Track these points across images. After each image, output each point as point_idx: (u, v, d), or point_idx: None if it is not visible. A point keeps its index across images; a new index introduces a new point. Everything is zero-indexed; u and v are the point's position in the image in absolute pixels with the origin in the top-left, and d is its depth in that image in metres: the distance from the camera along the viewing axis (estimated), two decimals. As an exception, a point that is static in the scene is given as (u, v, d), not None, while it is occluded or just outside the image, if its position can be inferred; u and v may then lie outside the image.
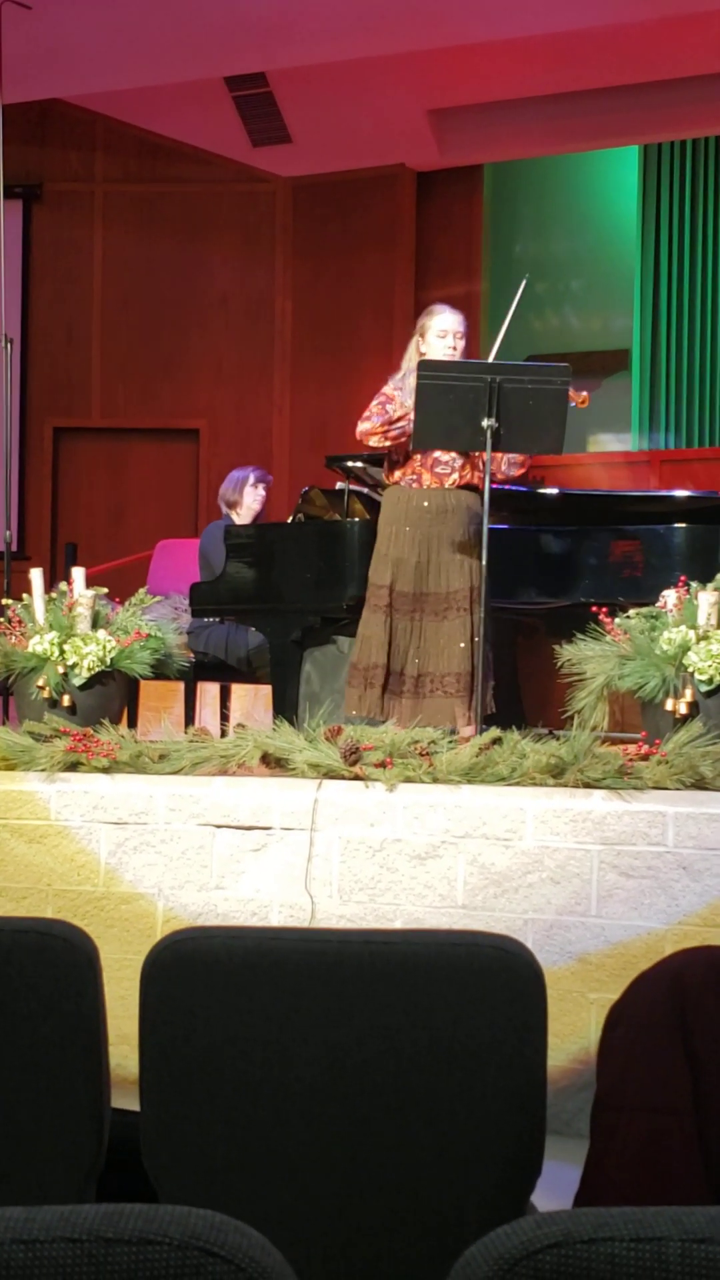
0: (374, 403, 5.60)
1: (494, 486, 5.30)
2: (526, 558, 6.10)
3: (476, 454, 5.46)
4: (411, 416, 5.36)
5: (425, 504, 5.54)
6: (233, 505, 7.13)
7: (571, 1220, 1.02)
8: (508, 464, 5.60)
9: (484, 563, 5.14)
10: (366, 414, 5.59)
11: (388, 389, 5.63)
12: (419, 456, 5.57)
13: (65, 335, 11.06)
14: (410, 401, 5.39)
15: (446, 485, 5.54)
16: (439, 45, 9.09)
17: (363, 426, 5.59)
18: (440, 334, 5.59)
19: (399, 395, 5.55)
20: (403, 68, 9.40)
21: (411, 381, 5.42)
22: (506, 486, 5.90)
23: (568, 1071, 4.11)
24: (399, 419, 5.52)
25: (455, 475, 5.55)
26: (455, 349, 5.57)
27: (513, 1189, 2.03)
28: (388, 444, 5.61)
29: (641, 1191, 1.98)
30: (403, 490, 5.61)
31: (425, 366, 5.28)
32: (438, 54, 9.23)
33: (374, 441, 5.62)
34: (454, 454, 5.50)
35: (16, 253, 10.67)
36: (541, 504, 6.49)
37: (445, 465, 5.54)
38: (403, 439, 5.54)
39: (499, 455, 5.49)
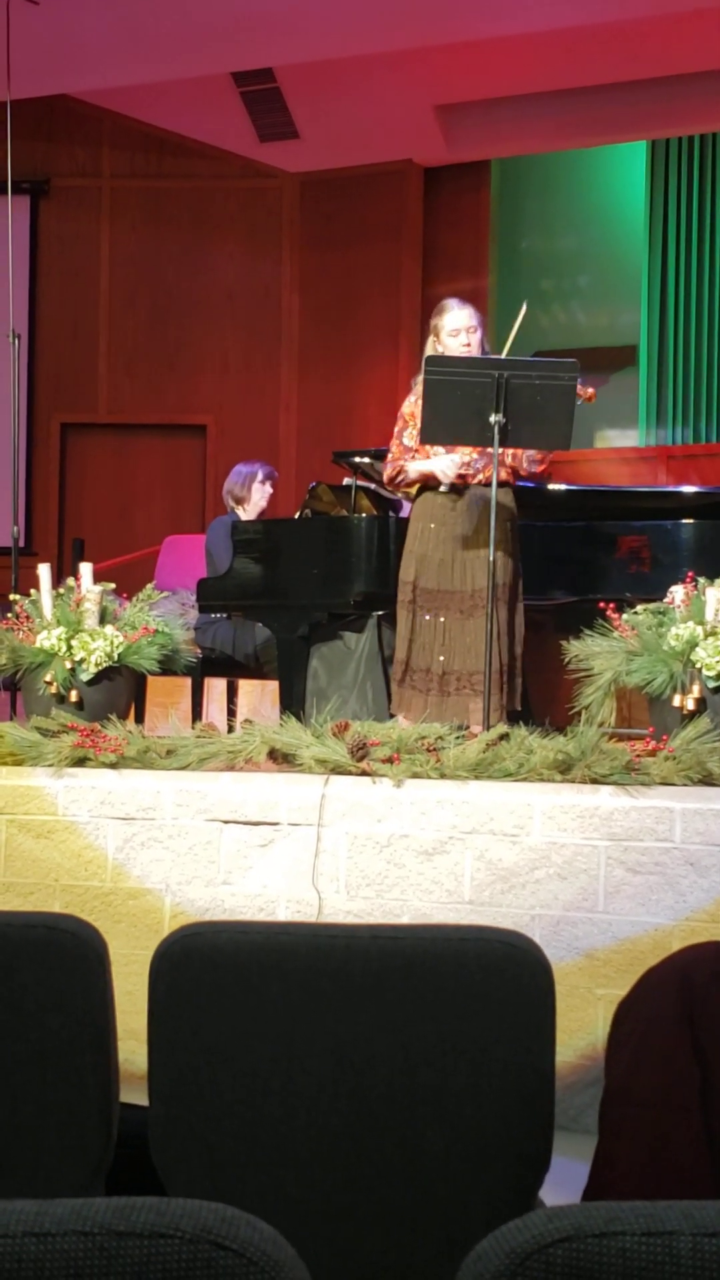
0: (393, 440, 5.63)
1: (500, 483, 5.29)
2: (534, 554, 6.10)
3: (502, 450, 5.45)
4: (406, 471, 5.53)
5: (451, 502, 5.51)
6: (240, 501, 7.11)
7: (583, 1214, 1.02)
8: (528, 461, 5.53)
9: (491, 559, 5.13)
10: (389, 456, 5.63)
11: (406, 406, 5.61)
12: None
13: (72, 330, 11.07)
14: None
15: (472, 483, 5.50)
16: (446, 41, 9.08)
17: (386, 473, 5.66)
18: (452, 332, 5.54)
19: (417, 410, 5.53)
20: (410, 63, 9.39)
21: None
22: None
23: (576, 1067, 4.11)
24: (397, 474, 5.59)
25: (481, 475, 5.49)
26: (470, 345, 5.52)
27: (521, 1184, 2.03)
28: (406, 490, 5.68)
29: (650, 1187, 1.98)
30: (430, 489, 5.58)
31: (432, 362, 5.27)
32: (445, 49, 9.23)
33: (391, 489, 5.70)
34: (475, 452, 5.45)
35: (24, 248, 10.68)
36: (549, 500, 6.49)
37: (468, 465, 5.51)
38: (412, 485, 5.62)
39: (520, 452, 5.47)
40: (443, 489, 5.49)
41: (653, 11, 8.67)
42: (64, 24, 8.69)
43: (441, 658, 5.46)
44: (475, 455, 5.47)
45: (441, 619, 5.48)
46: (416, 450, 5.53)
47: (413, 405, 5.56)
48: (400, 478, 5.60)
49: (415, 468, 5.53)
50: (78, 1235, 0.97)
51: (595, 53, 9.14)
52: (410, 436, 5.54)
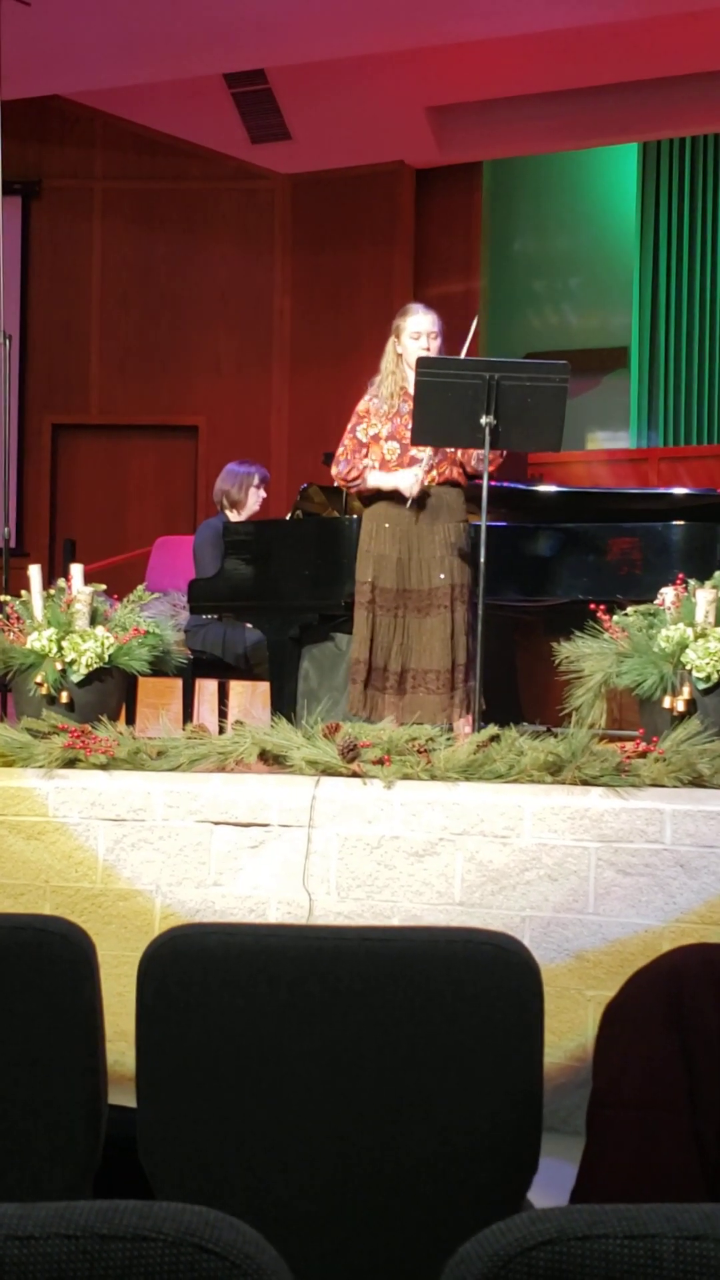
0: (346, 434, 5.67)
1: (490, 484, 5.30)
2: (525, 555, 6.11)
3: (452, 451, 5.50)
4: (365, 478, 5.60)
5: (406, 501, 5.55)
6: (235, 504, 7.06)
7: (565, 1217, 1.02)
8: (476, 460, 5.55)
9: (482, 559, 5.13)
10: (340, 452, 5.67)
11: (362, 405, 5.66)
12: (396, 457, 5.57)
13: (64, 332, 11.06)
14: (386, 408, 5.57)
15: (426, 482, 5.55)
16: (438, 42, 9.09)
17: (334, 469, 5.69)
18: (414, 335, 5.61)
19: (373, 407, 5.58)
20: (402, 64, 9.40)
21: (389, 385, 5.59)
22: (498, 483, 5.89)
23: (565, 1069, 4.11)
24: (354, 479, 5.64)
25: (434, 472, 5.56)
26: (429, 350, 5.57)
27: (509, 1186, 2.03)
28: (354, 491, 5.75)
29: (637, 1188, 1.98)
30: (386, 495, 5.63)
31: (424, 364, 5.29)
32: (437, 51, 9.23)
33: (340, 486, 5.75)
34: (430, 451, 5.50)
35: (15, 249, 10.67)
36: (540, 501, 6.49)
37: (421, 464, 5.55)
38: (364, 492, 5.69)
39: (470, 451, 5.49)
40: (409, 506, 5.53)
41: (644, 14, 8.68)
42: (56, 25, 8.68)
43: (400, 657, 5.51)
44: (431, 452, 5.51)
45: (400, 618, 5.53)
46: (369, 444, 5.59)
47: (368, 403, 5.66)
48: (357, 482, 5.65)
49: (376, 480, 5.59)
50: (60, 1238, 0.97)
51: (587, 55, 9.15)
52: (363, 432, 5.63)
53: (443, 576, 5.52)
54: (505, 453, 5.64)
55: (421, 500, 5.55)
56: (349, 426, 5.68)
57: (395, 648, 5.54)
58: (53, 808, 4.71)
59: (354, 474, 5.64)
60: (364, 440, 5.62)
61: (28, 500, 10.99)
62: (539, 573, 6.11)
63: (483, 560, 5.14)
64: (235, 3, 8.57)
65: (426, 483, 5.55)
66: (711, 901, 4.19)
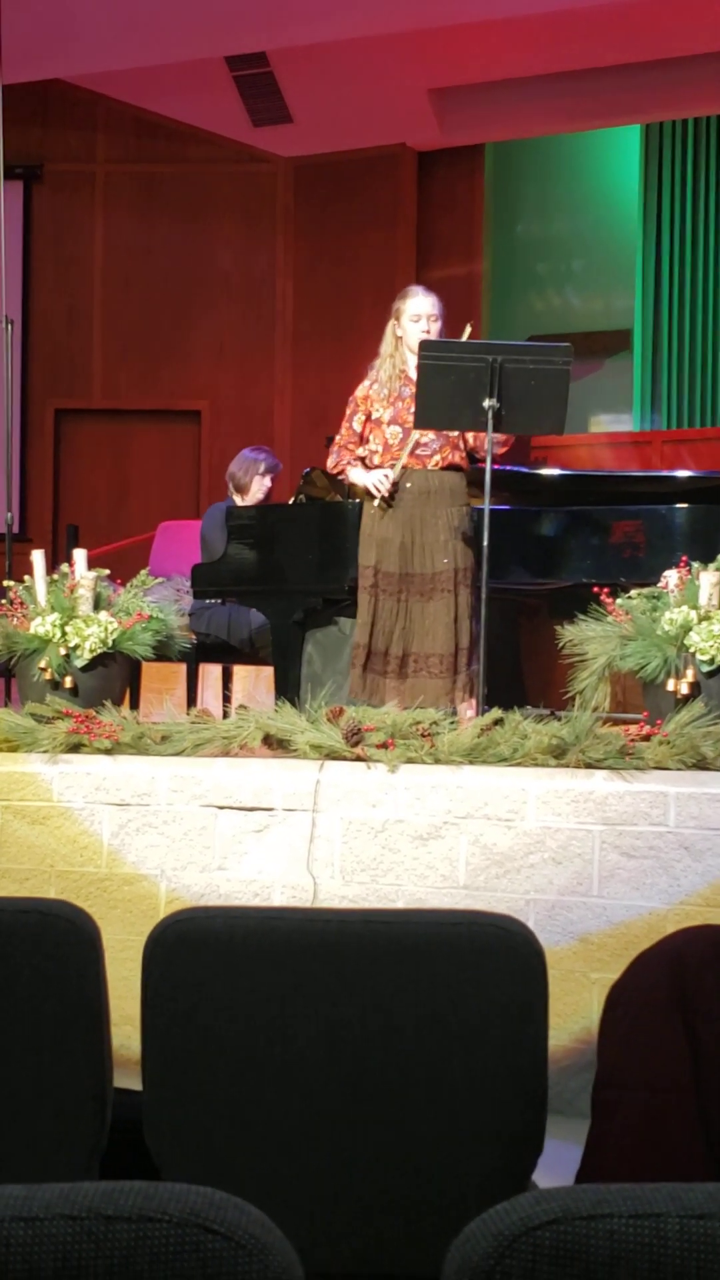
0: (344, 422, 5.70)
1: (494, 468, 5.29)
2: (528, 538, 6.10)
3: (456, 435, 5.50)
4: (348, 473, 5.66)
5: (408, 485, 5.54)
6: (241, 489, 7.07)
7: (570, 1197, 1.03)
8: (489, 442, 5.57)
9: (485, 544, 5.12)
10: (336, 441, 5.72)
11: (360, 390, 5.65)
12: (399, 441, 5.56)
13: (66, 317, 11.05)
14: (386, 392, 5.56)
15: (429, 467, 5.55)
16: (440, 24, 9.06)
17: (329, 460, 5.72)
18: (414, 317, 5.60)
19: (373, 392, 5.58)
20: (404, 47, 9.37)
21: (388, 369, 5.58)
22: (504, 467, 5.89)
23: (570, 1051, 4.12)
24: (339, 474, 5.74)
25: (437, 456, 5.55)
26: (429, 332, 5.56)
27: (514, 1167, 2.03)
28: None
29: (642, 1169, 1.99)
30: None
31: (426, 347, 5.28)
32: (439, 33, 9.20)
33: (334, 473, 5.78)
34: (433, 435, 5.50)
35: (17, 234, 10.64)
36: (543, 484, 6.48)
37: (425, 447, 5.55)
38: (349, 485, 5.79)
39: (482, 436, 5.49)
40: (377, 503, 5.54)
41: (647, -6, 8.66)
42: (57, 8, 8.66)
43: (402, 641, 5.51)
44: (434, 437, 5.50)
45: (402, 602, 5.52)
46: (370, 429, 5.61)
47: (367, 389, 5.65)
48: (342, 476, 5.76)
49: (355, 477, 5.66)
50: (65, 1219, 0.98)
51: (589, 36, 9.11)
52: (359, 421, 5.64)
53: (446, 560, 5.51)
54: (511, 435, 5.64)
55: (420, 482, 5.54)
56: (346, 414, 5.69)
57: (397, 632, 5.54)
58: (57, 792, 4.72)
59: (338, 470, 5.73)
60: (358, 430, 5.62)
61: (31, 485, 10.98)
62: (542, 556, 6.11)
63: (485, 544, 5.13)
64: (236, -15, 8.56)
65: (430, 466, 5.55)
66: (716, 884, 4.19)
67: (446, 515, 5.54)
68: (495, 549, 5.20)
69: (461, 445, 5.58)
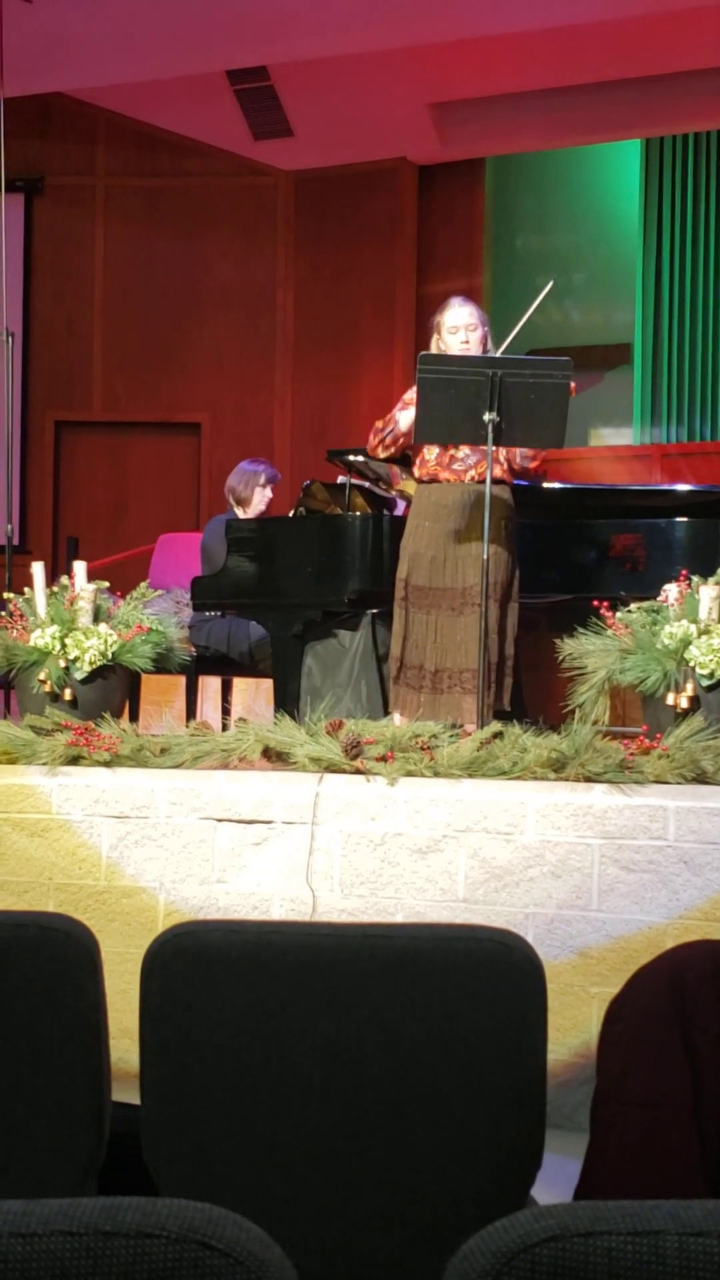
0: (390, 412, 5.66)
1: (509, 483, 5.29)
2: (528, 551, 6.09)
3: (495, 448, 5.47)
4: (397, 420, 5.53)
5: (446, 500, 5.51)
6: (241, 502, 7.07)
7: (568, 1214, 1.02)
8: (521, 458, 5.55)
9: (485, 556, 5.11)
10: (375, 425, 5.66)
11: (409, 394, 5.61)
12: (435, 456, 5.54)
13: (66, 329, 11.06)
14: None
15: (466, 480, 5.50)
16: (440, 39, 9.07)
17: (370, 440, 5.66)
18: (452, 329, 5.57)
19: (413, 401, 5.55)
20: (404, 61, 9.39)
21: None
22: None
23: (570, 1065, 4.11)
24: (385, 427, 5.63)
25: (473, 471, 5.49)
26: (468, 343, 5.53)
27: (512, 1182, 2.03)
28: (393, 451, 5.65)
29: (641, 1185, 1.98)
30: (426, 486, 5.59)
31: (425, 360, 5.27)
32: (439, 47, 9.22)
33: (381, 455, 5.69)
34: (468, 449, 5.46)
35: (18, 246, 10.67)
36: (543, 498, 6.48)
37: (461, 461, 5.52)
38: (399, 440, 5.60)
39: (514, 450, 5.48)
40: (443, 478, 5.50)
41: (647, 10, 8.67)
42: (58, 22, 8.67)
43: (434, 656, 5.46)
44: (469, 451, 5.47)
45: (433, 616, 5.47)
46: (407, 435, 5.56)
47: (414, 394, 5.58)
48: (390, 431, 5.63)
49: (403, 421, 5.57)
50: (64, 1235, 0.97)
51: (590, 51, 9.13)
52: (406, 416, 5.56)
53: (476, 576, 5.45)
54: (545, 452, 5.62)
55: (461, 495, 5.50)
56: (393, 409, 5.67)
57: (429, 646, 5.49)
58: (56, 805, 4.71)
59: (388, 427, 5.63)
60: (404, 429, 5.58)
61: (30, 497, 10.99)
62: (542, 569, 6.11)
63: (486, 557, 5.12)
64: (238, 0, 8.57)
65: (467, 480, 5.50)
66: (715, 898, 4.18)
67: (481, 529, 5.48)
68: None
69: (501, 459, 5.52)
